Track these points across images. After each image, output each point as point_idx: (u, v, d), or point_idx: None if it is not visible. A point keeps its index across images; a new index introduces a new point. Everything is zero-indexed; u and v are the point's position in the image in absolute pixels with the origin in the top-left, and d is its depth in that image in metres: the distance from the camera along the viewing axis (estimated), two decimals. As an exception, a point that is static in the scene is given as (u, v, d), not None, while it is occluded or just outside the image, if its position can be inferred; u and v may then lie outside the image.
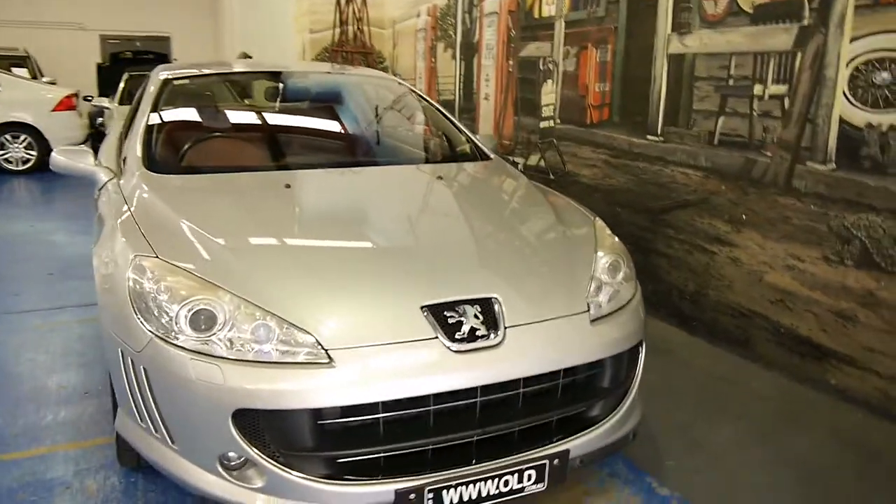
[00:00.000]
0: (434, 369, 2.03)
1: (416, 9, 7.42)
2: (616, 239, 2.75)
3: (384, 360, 2.00)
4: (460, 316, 2.11)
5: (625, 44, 4.55)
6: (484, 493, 2.09)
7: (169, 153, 3.06)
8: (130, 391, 2.19)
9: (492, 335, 2.11)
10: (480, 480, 2.07)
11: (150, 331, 2.08)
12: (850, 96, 3.19)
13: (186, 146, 3.10)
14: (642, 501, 2.57)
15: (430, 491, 2.02)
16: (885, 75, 3.04)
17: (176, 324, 2.05)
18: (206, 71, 3.70)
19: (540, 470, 2.16)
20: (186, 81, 3.57)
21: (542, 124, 5.41)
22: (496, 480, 2.10)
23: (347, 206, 2.88)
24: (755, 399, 3.37)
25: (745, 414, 3.20)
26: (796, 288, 3.51)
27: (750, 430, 3.05)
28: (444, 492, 2.03)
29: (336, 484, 1.98)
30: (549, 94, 5.31)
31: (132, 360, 2.14)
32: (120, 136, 4.16)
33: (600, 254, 2.57)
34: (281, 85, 3.71)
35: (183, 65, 3.85)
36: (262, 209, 2.69)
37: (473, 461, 2.11)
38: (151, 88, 3.45)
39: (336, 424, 2.00)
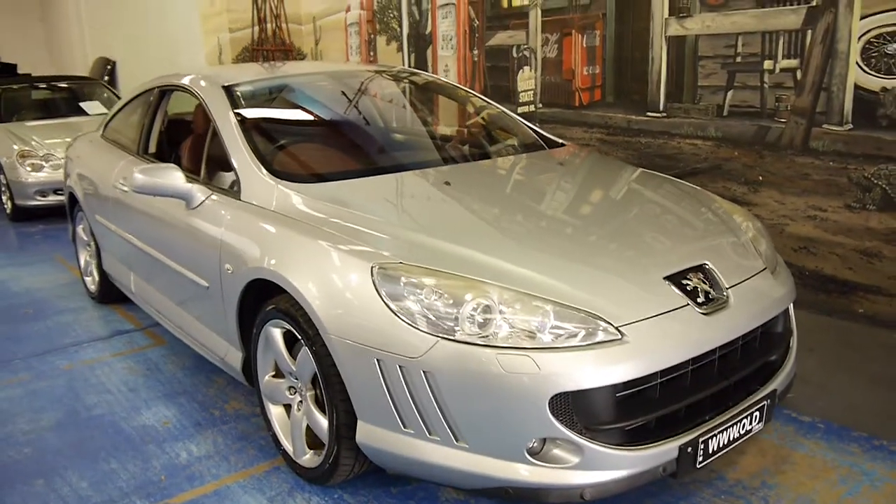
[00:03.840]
0: (695, 332, 2.23)
1: (344, 3, 7.34)
2: (732, 203, 3.08)
3: (660, 329, 2.18)
4: (692, 283, 2.33)
5: (615, 29, 4.89)
6: (731, 438, 2.33)
7: (295, 162, 2.94)
8: (393, 399, 2.18)
9: (721, 297, 2.35)
10: (731, 426, 2.31)
11: (432, 335, 2.09)
12: (863, 66, 3.74)
13: (304, 152, 3.01)
14: (782, 423, 2.94)
15: (701, 442, 2.23)
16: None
17: (460, 323, 2.09)
18: (265, 76, 3.54)
19: (762, 410, 2.43)
20: (250, 88, 3.41)
21: (521, 109, 5.65)
22: (738, 425, 2.35)
23: (519, 196, 2.95)
24: (807, 333, 3.86)
25: (809, 346, 3.68)
26: (819, 235, 4.05)
27: (824, 358, 3.53)
28: (709, 441, 2.25)
29: (636, 449, 2.13)
30: (528, 81, 5.56)
31: (401, 367, 2.14)
32: (138, 151, 3.90)
33: (735, 216, 2.89)
34: (352, 87, 3.64)
35: (205, 72, 3.65)
36: (450, 207, 2.72)
37: (709, 414, 2.33)
38: (211, 99, 3.24)
39: (625, 395, 2.14)
